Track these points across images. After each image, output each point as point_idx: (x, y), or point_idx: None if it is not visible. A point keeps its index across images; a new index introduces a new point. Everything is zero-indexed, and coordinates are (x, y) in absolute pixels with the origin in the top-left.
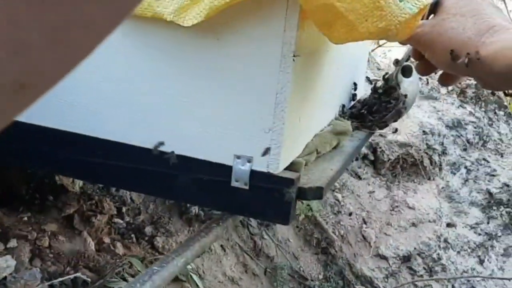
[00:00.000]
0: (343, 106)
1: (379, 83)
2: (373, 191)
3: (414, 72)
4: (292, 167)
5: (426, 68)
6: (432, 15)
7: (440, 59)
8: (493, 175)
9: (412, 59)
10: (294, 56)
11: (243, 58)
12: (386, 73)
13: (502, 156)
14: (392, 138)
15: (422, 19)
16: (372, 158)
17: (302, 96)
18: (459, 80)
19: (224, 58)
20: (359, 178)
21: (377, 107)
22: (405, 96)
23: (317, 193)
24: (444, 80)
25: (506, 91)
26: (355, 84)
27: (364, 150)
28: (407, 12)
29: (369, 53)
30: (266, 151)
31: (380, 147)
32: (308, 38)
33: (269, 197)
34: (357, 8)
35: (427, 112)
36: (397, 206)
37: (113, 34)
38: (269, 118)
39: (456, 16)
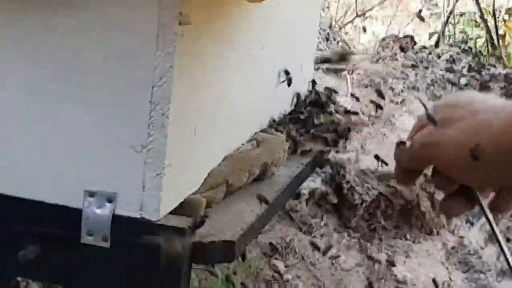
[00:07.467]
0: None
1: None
2: (338, 256)
3: None
4: (184, 209)
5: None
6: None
7: (452, 160)
8: None
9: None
10: (180, 23)
11: (92, 26)
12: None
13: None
14: (368, 165)
15: None
16: (334, 200)
17: (198, 93)
18: (468, 207)
19: (62, 27)
20: (313, 234)
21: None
22: None
23: (225, 251)
24: (453, 204)
25: None
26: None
27: (321, 186)
28: None
29: (331, 28)
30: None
31: (347, 182)
32: None
33: (146, 261)
34: None
35: None
36: (379, 280)
37: None
38: (142, 127)
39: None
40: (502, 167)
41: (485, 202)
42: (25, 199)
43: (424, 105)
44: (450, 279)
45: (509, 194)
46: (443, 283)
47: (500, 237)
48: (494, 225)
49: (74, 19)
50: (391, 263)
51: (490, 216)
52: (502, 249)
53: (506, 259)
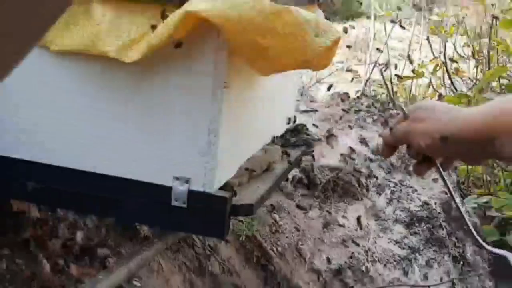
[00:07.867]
0: (276, 135)
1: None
2: (308, 212)
3: None
4: (226, 187)
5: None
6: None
7: (426, 141)
8: (414, 195)
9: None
10: (224, 87)
11: (179, 90)
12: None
13: (422, 178)
14: (324, 163)
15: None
16: (306, 181)
17: (234, 124)
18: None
19: (162, 91)
20: (294, 200)
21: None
22: None
23: (248, 209)
24: (421, 167)
25: None
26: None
27: (298, 174)
28: (322, 45)
29: (303, 87)
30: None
31: (313, 171)
32: (238, 71)
33: (206, 214)
34: (279, 45)
35: (355, 139)
36: (329, 224)
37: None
38: (204, 143)
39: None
40: (459, 148)
41: (439, 165)
42: (140, 181)
43: (403, 109)
44: (368, 224)
45: (451, 162)
46: (364, 224)
47: (451, 189)
48: (446, 180)
49: (154, 84)
50: (336, 215)
51: (444, 174)
52: (453, 198)
53: (458, 208)
